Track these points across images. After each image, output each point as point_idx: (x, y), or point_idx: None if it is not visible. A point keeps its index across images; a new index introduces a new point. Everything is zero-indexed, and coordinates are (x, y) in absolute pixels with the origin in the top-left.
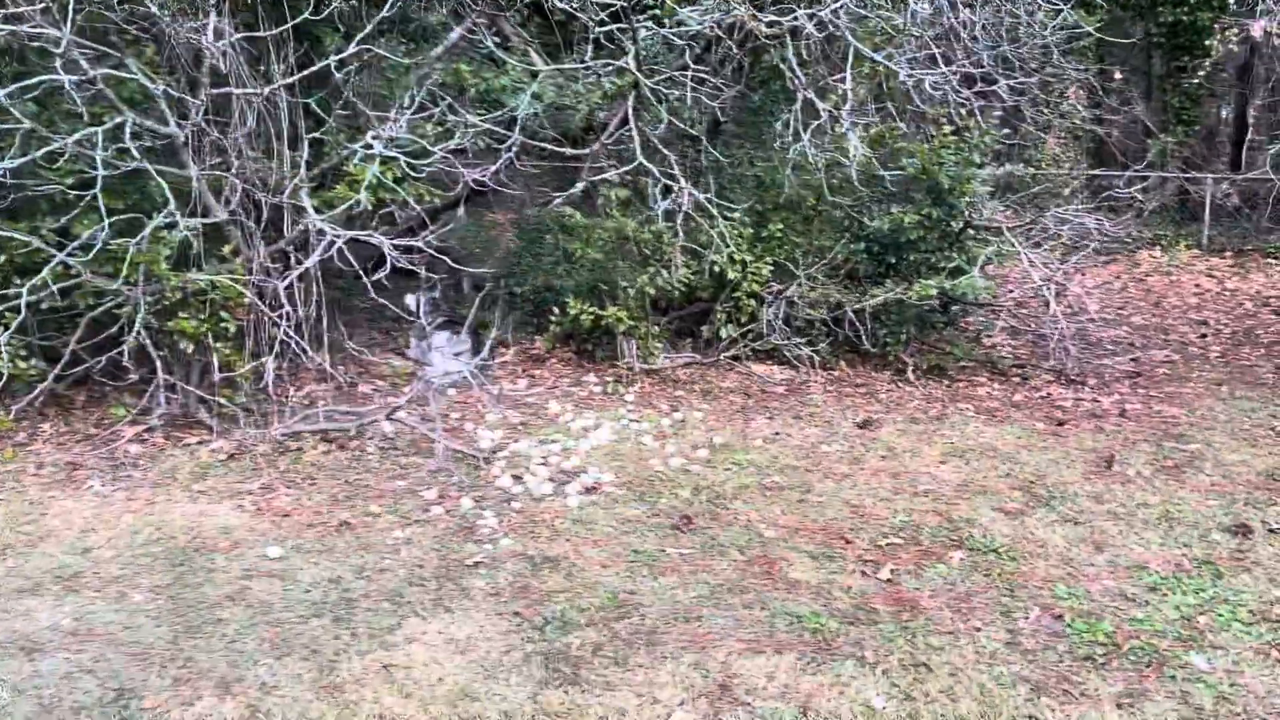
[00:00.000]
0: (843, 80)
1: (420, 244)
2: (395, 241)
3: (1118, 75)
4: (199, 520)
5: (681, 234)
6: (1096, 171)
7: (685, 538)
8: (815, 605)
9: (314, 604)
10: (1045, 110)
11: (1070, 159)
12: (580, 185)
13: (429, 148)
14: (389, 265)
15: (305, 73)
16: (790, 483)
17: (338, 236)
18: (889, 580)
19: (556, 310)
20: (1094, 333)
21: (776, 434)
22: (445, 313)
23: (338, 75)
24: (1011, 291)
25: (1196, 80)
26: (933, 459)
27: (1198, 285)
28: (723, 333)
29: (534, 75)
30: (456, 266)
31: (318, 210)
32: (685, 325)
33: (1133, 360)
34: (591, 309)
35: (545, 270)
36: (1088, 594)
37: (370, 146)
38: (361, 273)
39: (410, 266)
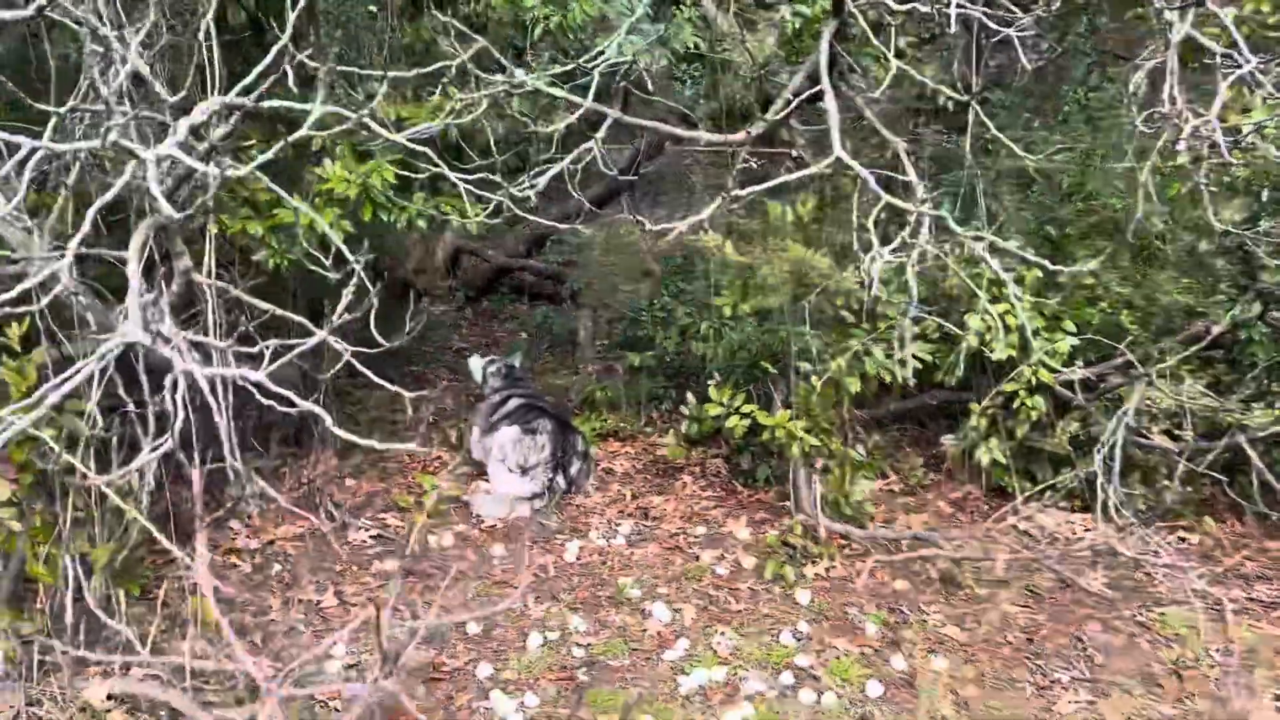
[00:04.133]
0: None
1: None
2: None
3: None
4: None
5: (916, 284)
6: None
7: None
8: None
9: None
10: None
11: None
12: (713, 206)
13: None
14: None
15: None
16: None
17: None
18: None
19: (691, 398)
20: None
21: None
22: (526, 387)
23: None
24: None
25: None
26: None
27: None
28: (980, 453)
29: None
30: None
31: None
32: (907, 428)
33: None
34: (746, 407)
35: (684, 325)
36: None
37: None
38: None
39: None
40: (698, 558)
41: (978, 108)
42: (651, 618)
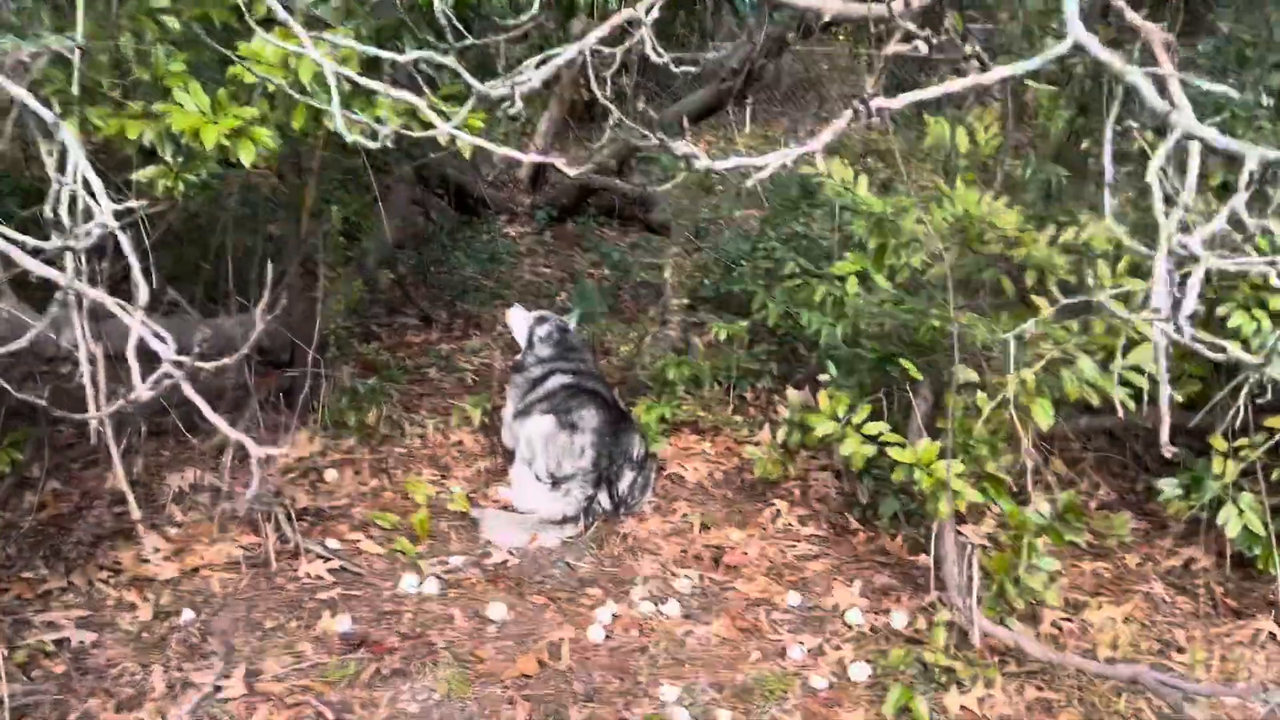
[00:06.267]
0: None
1: None
2: None
3: None
4: None
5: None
6: None
7: None
8: None
9: None
10: None
11: None
12: (835, 125)
13: None
14: None
15: None
16: None
17: None
18: None
19: (793, 394)
20: None
21: None
22: (578, 359)
23: None
24: None
25: None
26: None
27: None
28: (1223, 515)
29: None
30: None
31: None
32: (1099, 450)
33: None
34: (872, 427)
35: (792, 287)
36: None
37: None
38: None
39: None
40: (784, 652)
41: None
42: None
